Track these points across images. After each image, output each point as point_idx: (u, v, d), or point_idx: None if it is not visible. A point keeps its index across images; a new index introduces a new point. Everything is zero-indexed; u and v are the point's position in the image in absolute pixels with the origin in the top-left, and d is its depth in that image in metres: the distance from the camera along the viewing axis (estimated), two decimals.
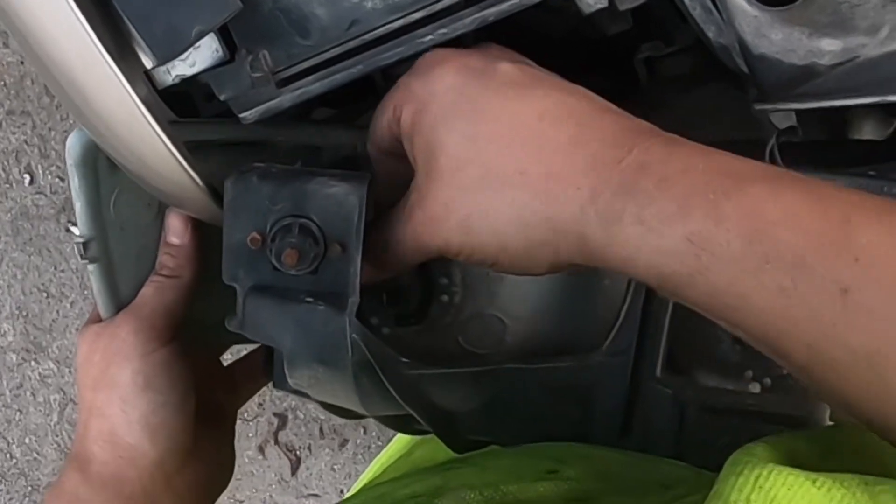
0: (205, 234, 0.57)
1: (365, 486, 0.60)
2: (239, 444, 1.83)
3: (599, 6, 0.45)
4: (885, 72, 0.44)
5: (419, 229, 0.45)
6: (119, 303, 0.58)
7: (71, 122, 1.80)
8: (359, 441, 1.84)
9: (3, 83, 1.81)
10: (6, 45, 1.79)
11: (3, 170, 1.83)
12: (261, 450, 1.85)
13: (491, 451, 0.53)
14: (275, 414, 1.84)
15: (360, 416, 0.61)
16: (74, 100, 0.47)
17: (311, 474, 1.86)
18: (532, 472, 0.47)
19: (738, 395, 0.54)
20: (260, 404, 1.84)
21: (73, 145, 0.53)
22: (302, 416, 1.84)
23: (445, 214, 0.44)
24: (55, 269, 1.84)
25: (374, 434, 1.83)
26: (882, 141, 0.66)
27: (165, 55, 0.45)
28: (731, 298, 0.37)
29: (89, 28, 0.43)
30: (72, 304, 1.84)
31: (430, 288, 0.56)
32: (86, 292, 1.83)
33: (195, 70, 0.47)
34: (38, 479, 1.88)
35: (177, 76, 0.48)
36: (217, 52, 0.47)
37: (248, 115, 0.49)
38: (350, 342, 0.46)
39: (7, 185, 1.84)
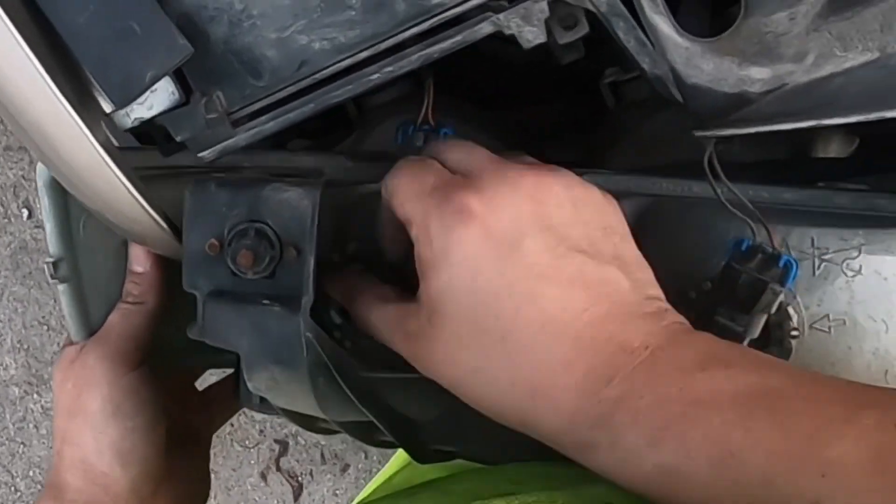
0: (170, 262, 0.59)
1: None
2: (241, 472, 1.85)
3: (539, 41, 0.46)
4: (817, 97, 0.45)
5: (411, 352, 0.47)
6: (89, 324, 0.60)
7: None
8: (360, 466, 1.85)
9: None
10: None
11: (2, 204, 1.85)
12: (263, 477, 1.86)
13: (454, 475, 0.54)
14: (276, 441, 1.86)
15: (331, 431, 0.62)
16: (35, 141, 0.48)
17: (313, 500, 1.86)
18: (491, 493, 0.48)
19: None
20: (261, 431, 1.85)
21: (42, 169, 0.55)
22: (303, 442, 1.85)
23: (439, 365, 0.46)
24: (55, 301, 1.86)
25: (375, 458, 1.84)
26: (844, 158, 0.67)
27: (122, 100, 0.46)
28: None
29: (49, 78, 0.45)
30: None
31: None
32: None
33: (153, 113, 0.49)
34: None
35: (135, 119, 0.49)
36: (173, 94, 0.49)
37: (205, 154, 0.50)
38: (304, 341, 0.48)
39: (6, 220, 1.86)
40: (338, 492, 1.86)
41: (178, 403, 0.64)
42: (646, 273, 0.46)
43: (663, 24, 0.44)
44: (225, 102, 0.49)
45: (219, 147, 0.50)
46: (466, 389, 0.45)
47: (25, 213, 1.85)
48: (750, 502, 0.37)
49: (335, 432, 0.63)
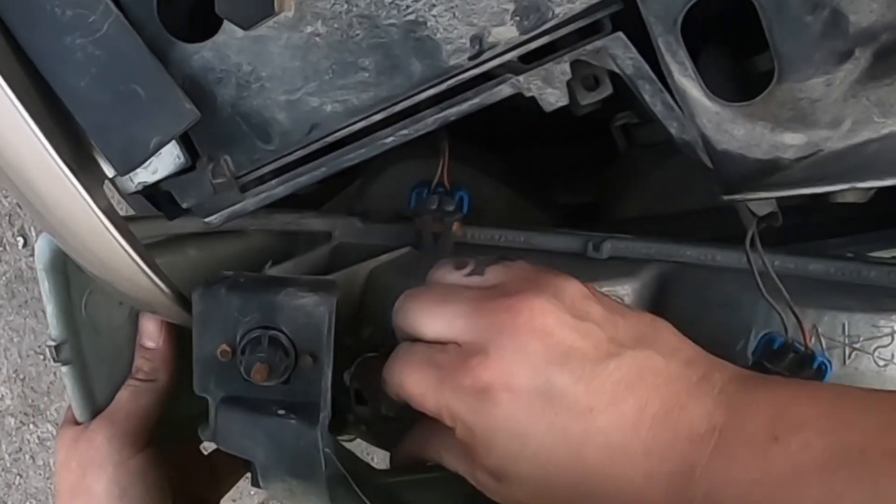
0: (179, 331, 0.57)
1: None
2: (241, 502, 1.81)
3: (561, 103, 0.44)
4: (853, 162, 0.43)
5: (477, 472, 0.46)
6: (94, 404, 0.57)
7: None
8: None
9: None
10: None
11: None
12: None
13: None
14: None
15: None
16: (39, 211, 0.46)
17: None
18: None
19: None
20: None
21: (42, 249, 0.53)
22: None
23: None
24: None
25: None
26: (863, 203, 0.66)
27: (125, 167, 0.44)
28: None
29: (47, 143, 0.42)
30: None
31: None
32: None
33: (157, 177, 0.47)
34: None
35: (139, 183, 0.47)
36: (178, 158, 0.47)
37: (213, 219, 0.48)
38: (324, 457, 0.46)
39: (1, 249, 1.83)
40: None
41: (184, 471, 0.61)
42: (662, 332, 0.45)
43: (692, 88, 0.42)
44: (233, 167, 0.47)
45: (226, 212, 0.48)
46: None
47: (21, 241, 1.82)
48: None
49: None
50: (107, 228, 0.45)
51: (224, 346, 0.47)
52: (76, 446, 0.56)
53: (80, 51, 0.43)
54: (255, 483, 0.54)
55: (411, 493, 0.50)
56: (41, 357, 1.84)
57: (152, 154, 0.44)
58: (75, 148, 0.45)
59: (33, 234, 1.81)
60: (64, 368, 0.55)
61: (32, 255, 1.82)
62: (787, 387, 0.42)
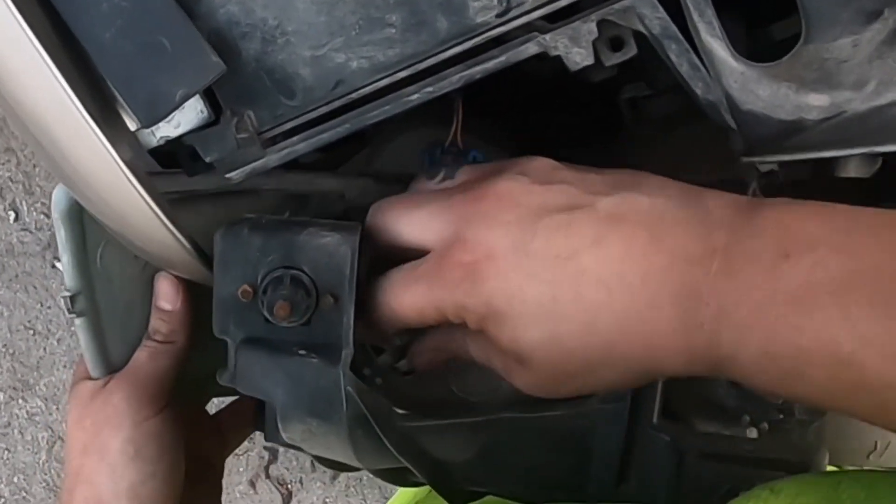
0: (194, 291, 0.57)
1: None
2: (230, 479, 1.82)
3: (586, 63, 0.45)
4: (874, 125, 0.43)
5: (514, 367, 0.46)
6: (107, 357, 0.57)
7: None
8: (350, 474, 1.83)
9: None
10: None
11: None
12: (252, 484, 1.83)
13: None
14: (265, 447, 1.83)
15: (355, 469, 0.60)
16: (58, 162, 0.46)
17: None
18: None
19: (735, 441, 0.54)
20: (250, 438, 1.82)
21: (59, 199, 0.52)
22: (293, 451, 1.82)
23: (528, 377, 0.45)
24: (41, 305, 1.83)
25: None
26: (867, 179, 0.66)
27: (149, 119, 0.44)
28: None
29: (72, 93, 0.42)
30: (59, 340, 1.83)
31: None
32: (73, 328, 1.82)
33: (180, 131, 0.47)
34: None
35: (161, 138, 0.47)
36: (202, 113, 0.47)
37: (234, 175, 0.48)
38: (345, 395, 0.46)
39: None
40: (327, 500, 1.84)
41: (191, 431, 0.61)
42: (644, 178, 0.45)
43: (719, 48, 0.42)
44: (256, 122, 0.47)
45: (248, 168, 0.48)
46: (582, 382, 0.44)
47: (12, 215, 1.82)
48: (877, 404, 0.36)
49: (358, 469, 0.61)
50: (130, 181, 0.45)
51: (245, 287, 0.47)
52: (92, 404, 0.56)
53: (106, 2, 0.43)
54: (268, 437, 0.55)
55: (430, 438, 0.51)
56: (31, 332, 1.83)
57: (177, 107, 0.44)
58: (99, 101, 0.45)
59: (25, 208, 1.81)
60: (78, 320, 0.55)
61: (24, 229, 1.82)
62: (795, 206, 0.41)
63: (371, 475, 0.56)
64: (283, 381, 0.47)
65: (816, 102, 0.43)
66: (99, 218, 0.49)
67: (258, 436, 1.82)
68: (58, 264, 1.80)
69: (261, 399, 0.53)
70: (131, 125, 0.46)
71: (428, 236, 0.46)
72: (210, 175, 0.51)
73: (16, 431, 1.86)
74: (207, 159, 0.47)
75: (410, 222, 0.47)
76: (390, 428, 0.47)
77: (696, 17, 0.42)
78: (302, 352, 0.47)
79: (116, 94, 0.45)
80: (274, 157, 0.48)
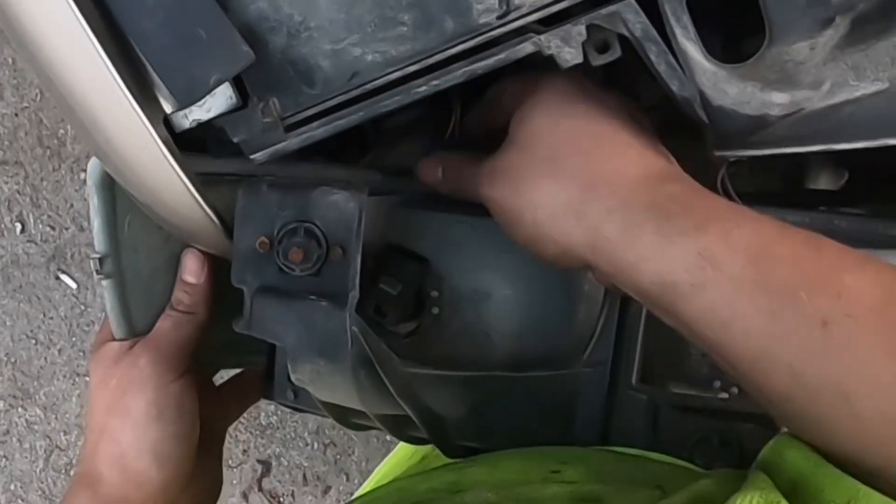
0: (216, 265, 0.62)
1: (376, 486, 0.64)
2: (223, 490, 1.85)
3: (576, 62, 0.50)
4: (831, 122, 0.49)
5: (485, 176, 0.53)
6: (130, 320, 0.62)
7: (62, 173, 1.85)
8: (342, 488, 1.87)
9: None
10: (0, 98, 1.84)
11: None
12: (245, 497, 1.87)
13: (499, 453, 0.56)
14: (259, 461, 1.87)
15: (362, 427, 0.64)
16: (97, 139, 0.51)
17: None
18: (538, 473, 0.50)
19: (707, 399, 0.59)
20: (244, 451, 1.86)
21: (94, 167, 0.57)
22: (286, 463, 1.86)
23: (508, 171, 0.51)
24: (44, 316, 1.87)
25: (356, 481, 1.86)
26: (835, 191, 0.72)
27: (185, 101, 0.49)
28: (724, 315, 0.43)
29: (118, 76, 0.48)
30: (59, 350, 1.87)
31: (420, 300, 0.60)
32: (73, 339, 1.86)
33: (210, 115, 0.52)
34: None
35: (193, 120, 0.53)
36: (231, 98, 0.52)
37: (258, 156, 0.53)
38: (350, 335, 0.51)
39: None
40: None
41: (200, 399, 0.66)
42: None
43: (693, 50, 0.48)
44: (279, 108, 0.52)
45: (270, 150, 0.53)
46: (542, 209, 0.49)
47: (19, 227, 1.87)
48: (769, 309, 0.41)
49: (367, 428, 0.66)
50: (167, 158, 0.50)
51: (262, 239, 0.53)
52: (118, 365, 0.61)
53: None
54: (276, 394, 0.59)
55: (427, 390, 0.56)
56: (33, 342, 1.87)
57: (211, 91, 0.49)
58: (139, 85, 0.50)
59: (31, 220, 1.86)
60: (105, 282, 0.60)
61: (29, 240, 1.87)
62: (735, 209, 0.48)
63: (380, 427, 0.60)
64: (294, 323, 0.53)
65: (778, 100, 0.48)
66: (131, 192, 0.54)
67: (252, 449, 1.86)
68: (61, 276, 1.85)
69: (269, 362, 0.58)
70: (167, 108, 0.52)
71: None
72: (233, 159, 0.56)
73: (14, 440, 1.90)
74: (235, 139, 0.53)
75: None
76: (391, 371, 0.53)
77: (673, 21, 0.47)
78: (312, 297, 0.52)
79: (156, 78, 0.50)
80: (294, 141, 0.53)
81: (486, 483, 0.49)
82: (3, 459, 1.90)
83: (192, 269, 0.62)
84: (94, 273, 0.59)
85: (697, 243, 0.43)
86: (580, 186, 0.48)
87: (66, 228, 1.85)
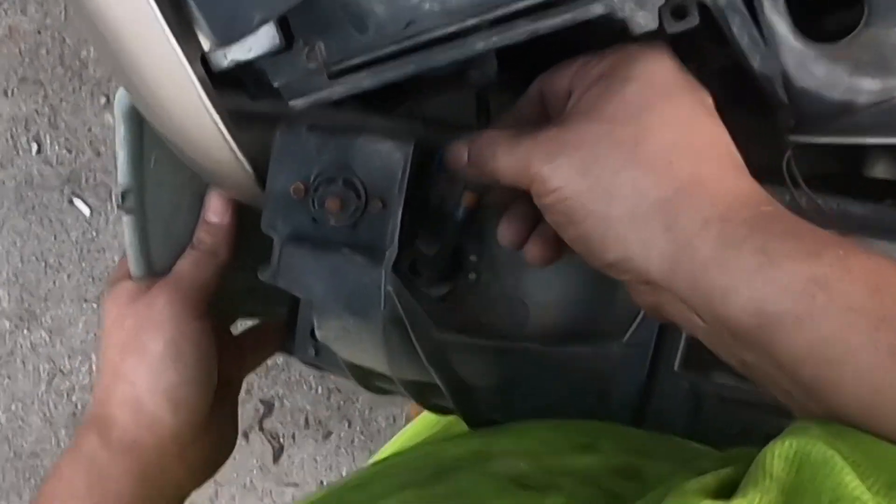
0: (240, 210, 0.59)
1: (398, 451, 0.61)
2: None
3: (650, 28, 0.46)
4: None
5: (538, 147, 0.44)
6: (149, 258, 0.59)
7: (82, 95, 1.81)
8: (343, 434, 1.85)
9: (18, 50, 1.81)
10: (24, 13, 1.80)
11: (12, 136, 1.83)
12: (245, 435, 1.86)
13: (524, 424, 0.53)
14: (261, 401, 1.85)
15: (384, 391, 0.61)
16: (128, 71, 0.48)
17: (292, 463, 1.86)
18: (567, 443, 0.47)
19: (751, 391, 0.55)
20: (247, 390, 1.85)
21: (122, 98, 0.54)
22: (288, 405, 1.85)
23: (577, 146, 0.43)
24: (55, 239, 1.85)
25: (357, 428, 1.84)
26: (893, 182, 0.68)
27: (226, 38, 0.46)
28: (835, 352, 0.37)
29: (156, 7, 0.44)
30: (69, 276, 1.85)
31: (458, 262, 0.57)
32: (83, 265, 1.84)
33: (251, 56, 0.49)
34: (21, 447, 1.88)
35: (232, 60, 0.49)
36: (274, 39, 0.48)
37: (298, 102, 0.50)
38: (384, 294, 0.48)
39: (14, 153, 1.84)
40: (318, 458, 1.86)
41: (217, 346, 0.63)
42: None
43: (781, 25, 0.44)
44: (325, 53, 0.48)
45: (312, 97, 0.50)
46: (603, 170, 0.42)
47: (35, 147, 1.83)
48: (890, 346, 0.36)
49: (388, 392, 0.63)
50: (200, 98, 0.47)
51: (298, 184, 0.49)
52: (134, 305, 0.58)
53: None
54: (297, 349, 0.56)
55: (458, 356, 0.53)
56: (42, 264, 1.85)
57: (254, 29, 0.46)
58: (177, 19, 0.47)
59: (48, 141, 1.82)
60: (126, 217, 0.57)
61: (45, 162, 1.83)
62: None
63: (402, 391, 0.57)
64: (324, 276, 0.49)
65: (868, 86, 0.45)
66: (159, 129, 0.51)
67: (255, 388, 1.85)
68: (75, 200, 1.82)
69: (292, 314, 0.55)
70: (206, 45, 0.48)
71: None
72: (270, 101, 0.53)
73: (18, 360, 1.89)
74: (276, 83, 0.49)
75: None
76: (424, 335, 0.49)
77: None
78: (346, 250, 0.49)
79: (196, 13, 0.46)
80: (338, 89, 0.49)
81: (513, 452, 0.46)
82: (6, 379, 1.88)
83: (216, 209, 0.59)
84: (116, 207, 0.56)
85: (809, 268, 0.38)
86: (676, 186, 0.41)
87: (83, 152, 1.82)
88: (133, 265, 0.59)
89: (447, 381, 0.52)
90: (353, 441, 1.85)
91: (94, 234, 1.83)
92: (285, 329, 0.61)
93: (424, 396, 0.58)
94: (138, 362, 0.57)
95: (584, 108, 0.45)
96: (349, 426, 1.85)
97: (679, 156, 0.42)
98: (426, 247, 0.53)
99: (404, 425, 1.86)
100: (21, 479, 1.89)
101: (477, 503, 0.39)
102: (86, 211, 1.82)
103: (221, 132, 0.48)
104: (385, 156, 0.49)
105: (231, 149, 0.49)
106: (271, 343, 0.69)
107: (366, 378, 0.57)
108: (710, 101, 0.45)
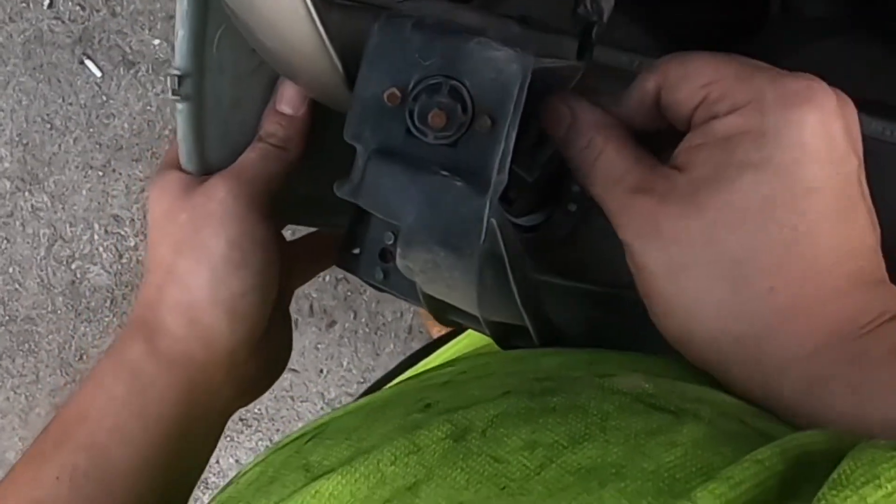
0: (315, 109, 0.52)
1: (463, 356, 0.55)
2: None
3: None
4: None
5: (630, 201, 0.39)
6: (202, 152, 0.52)
7: None
8: (347, 325, 1.81)
9: None
10: None
11: None
12: None
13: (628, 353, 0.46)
14: None
15: (460, 325, 0.55)
16: None
17: (293, 349, 1.83)
18: (691, 376, 0.41)
19: None
20: None
21: None
22: (295, 292, 1.80)
23: (670, 227, 0.38)
24: (63, 100, 1.77)
25: (363, 320, 1.81)
26: None
27: None
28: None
29: None
30: (75, 140, 1.78)
31: (556, 191, 0.51)
32: (91, 130, 1.77)
33: None
34: (17, 311, 1.84)
35: None
36: None
37: None
38: (486, 227, 0.41)
39: (23, 5, 1.75)
40: (319, 346, 1.83)
41: None
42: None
43: None
44: None
45: None
46: (696, 277, 0.37)
47: (46, 1, 1.74)
48: None
49: (462, 326, 0.57)
50: None
51: (394, 90, 0.42)
52: (189, 197, 0.50)
53: None
54: (363, 273, 0.50)
55: (551, 299, 0.47)
56: (48, 126, 1.78)
57: None
58: None
59: None
60: (180, 105, 0.49)
61: (56, 17, 1.74)
62: None
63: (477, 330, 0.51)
64: (417, 200, 0.42)
65: None
66: (230, 4, 0.44)
67: None
68: (86, 62, 1.74)
69: (350, 230, 0.49)
70: None
71: None
72: None
73: (17, 223, 1.83)
74: None
75: None
76: (521, 274, 0.43)
77: None
78: (444, 172, 0.42)
79: None
80: None
81: (631, 371, 0.39)
82: (5, 242, 1.83)
83: (290, 99, 0.51)
84: (170, 93, 0.49)
85: None
86: (771, 302, 0.36)
87: (98, 10, 1.73)
88: (185, 159, 0.51)
89: (539, 327, 0.46)
90: (356, 332, 1.82)
91: (104, 98, 1.75)
92: (343, 242, 0.54)
93: (508, 339, 0.52)
94: (195, 264, 0.50)
95: (701, 180, 0.37)
96: (354, 317, 1.81)
97: (790, 259, 0.36)
98: (525, 171, 0.47)
99: (411, 321, 1.83)
100: (15, 344, 1.85)
101: (601, 420, 0.33)
102: (97, 73, 1.74)
103: (308, 9, 0.41)
104: (501, 66, 0.41)
105: (317, 33, 0.42)
106: (325, 256, 0.62)
107: (442, 311, 0.51)
108: (862, 173, 0.38)
